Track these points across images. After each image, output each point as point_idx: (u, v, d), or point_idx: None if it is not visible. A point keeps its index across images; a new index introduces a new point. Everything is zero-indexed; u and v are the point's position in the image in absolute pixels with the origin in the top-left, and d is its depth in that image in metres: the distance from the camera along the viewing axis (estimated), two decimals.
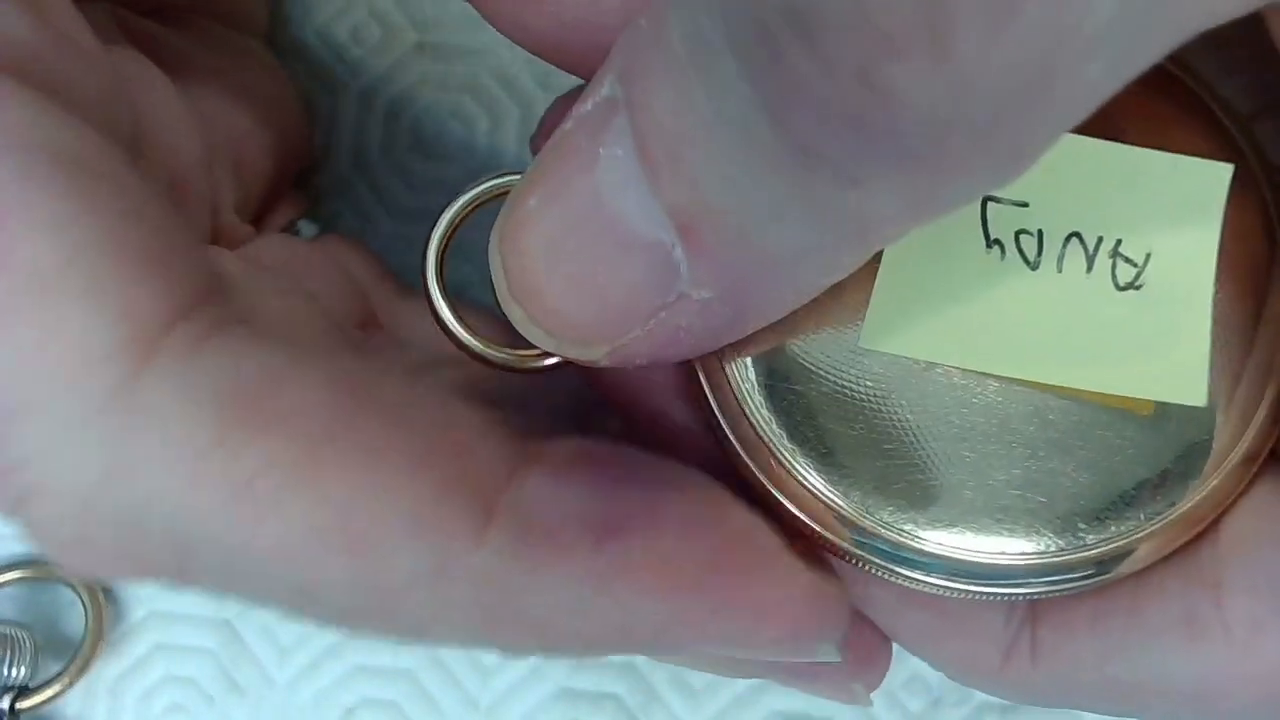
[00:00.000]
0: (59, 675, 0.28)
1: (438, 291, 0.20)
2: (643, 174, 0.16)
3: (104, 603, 0.29)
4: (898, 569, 0.20)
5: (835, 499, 0.20)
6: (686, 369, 0.21)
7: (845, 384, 0.20)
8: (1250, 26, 0.18)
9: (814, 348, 0.20)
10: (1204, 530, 0.20)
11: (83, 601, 0.29)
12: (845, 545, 0.20)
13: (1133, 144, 0.20)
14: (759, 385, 0.20)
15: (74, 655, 0.29)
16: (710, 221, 0.16)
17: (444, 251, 0.20)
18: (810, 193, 0.15)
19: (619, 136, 0.16)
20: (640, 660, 0.28)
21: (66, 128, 0.17)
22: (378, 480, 0.17)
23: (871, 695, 0.24)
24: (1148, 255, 0.20)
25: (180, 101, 0.22)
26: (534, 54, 0.21)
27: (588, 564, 0.18)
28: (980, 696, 0.28)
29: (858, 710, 0.28)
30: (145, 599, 0.29)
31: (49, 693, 0.28)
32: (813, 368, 0.20)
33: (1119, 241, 0.20)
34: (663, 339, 0.17)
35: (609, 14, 0.19)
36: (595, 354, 0.18)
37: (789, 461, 0.20)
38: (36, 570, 0.29)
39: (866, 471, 0.20)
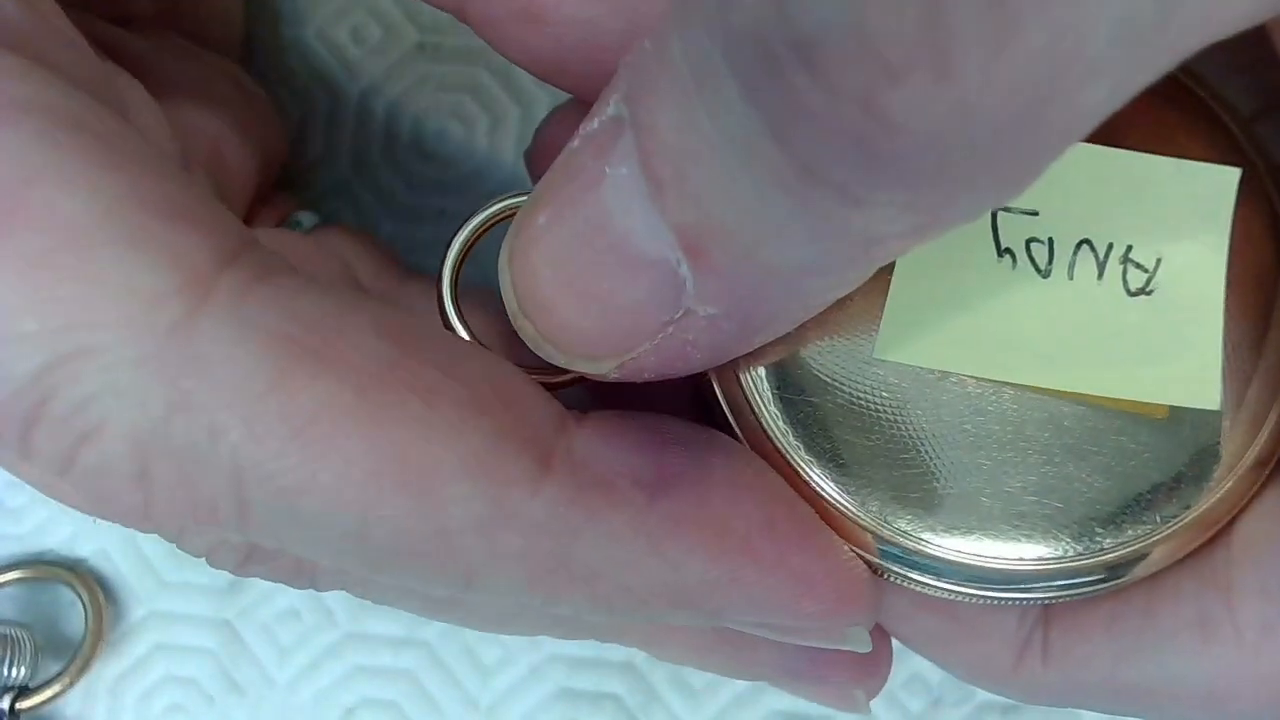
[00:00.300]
0: (59, 675, 0.28)
1: (454, 314, 0.20)
2: (648, 193, 0.16)
3: (104, 603, 0.29)
4: (915, 575, 0.20)
5: (852, 508, 0.20)
6: (701, 382, 0.21)
7: (860, 395, 0.20)
8: (1252, 29, 0.18)
9: (828, 359, 0.20)
10: (1218, 533, 0.20)
11: (83, 602, 0.29)
12: (863, 554, 0.20)
13: (1139, 151, 0.20)
14: (774, 397, 0.20)
15: (74, 655, 0.29)
16: (715, 239, 0.16)
17: (458, 274, 0.20)
18: (814, 212, 0.15)
19: (624, 156, 0.16)
20: (640, 660, 0.29)
21: (74, 97, 0.17)
22: (433, 423, 0.17)
23: (870, 703, 0.24)
24: (1158, 260, 0.20)
25: (154, 104, 0.22)
26: (534, 74, 0.21)
27: (640, 520, 0.18)
28: (981, 696, 0.28)
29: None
30: (145, 599, 0.29)
31: (49, 693, 0.28)
32: (828, 379, 0.20)
33: (1129, 248, 0.20)
34: (670, 354, 0.18)
35: (608, 36, 0.19)
36: (604, 368, 0.18)
37: (805, 472, 0.20)
38: (37, 570, 0.29)
39: (883, 481, 0.20)
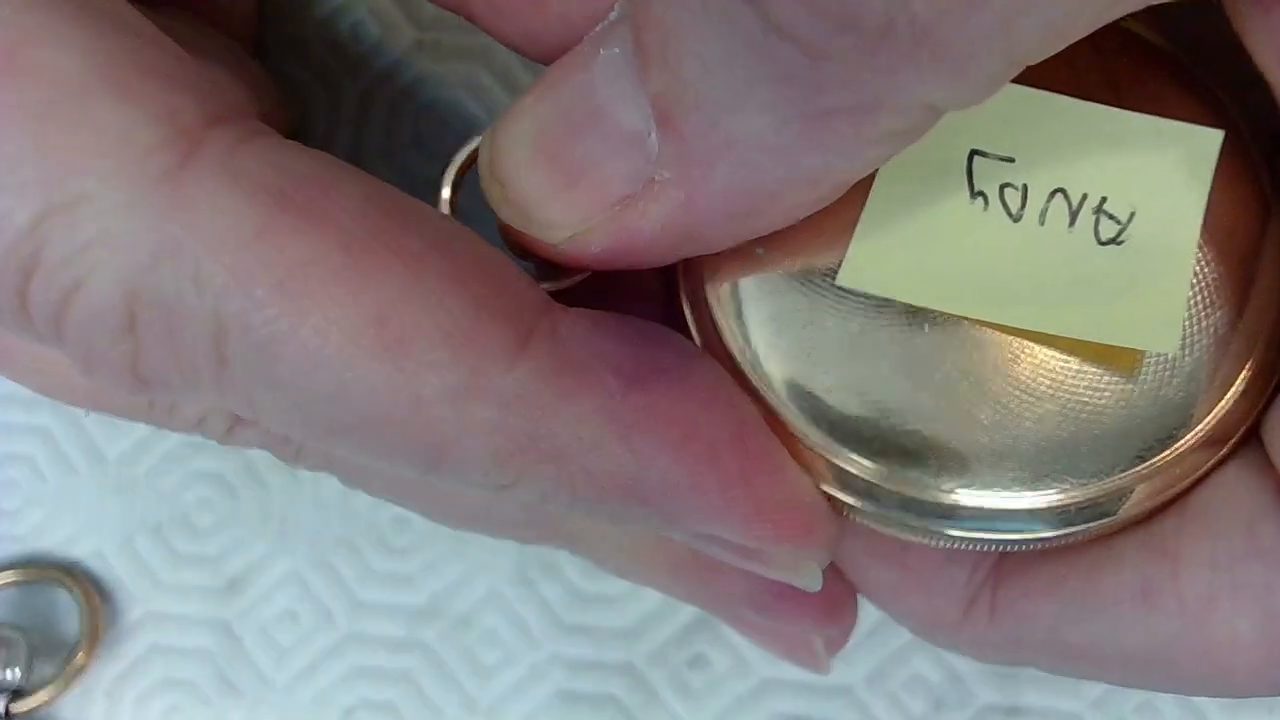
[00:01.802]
0: (54, 678, 0.28)
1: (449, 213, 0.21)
2: (635, 67, 0.18)
3: (99, 604, 0.29)
4: (859, 505, 0.20)
5: (806, 431, 0.20)
6: (672, 300, 0.21)
7: (821, 321, 0.20)
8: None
9: (795, 283, 0.20)
10: (1171, 501, 0.20)
11: (78, 603, 0.29)
12: (819, 485, 0.20)
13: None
14: (737, 314, 0.20)
15: (69, 657, 0.28)
16: (685, 105, 0.17)
17: (460, 179, 0.21)
18: (775, 71, 0.16)
19: (620, 39, 0.18)
20: (640, 660, 0.28)
21: None
22: (416, 289, 0.18)
23: (830, 662, 0.25)
24: (1131, 214, 0.20)
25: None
26: (538, 60, 0.21)
27: (613, 406, 0.18)
28: (983, 699, 0.28)
29: (857, 711, 0.28)
30: (141, 600, 0.29)
31: (44, 695, 0.28)
32: (792, 303, 0.20)
33: (1104, 199, 0.20)
34: (621, 228, 0.19)
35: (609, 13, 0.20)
36: (558, 237, 0.19)
37: (762, 392, 0.20)
38: (32, 572, 0.29)
39: (836, 408, 0.20)
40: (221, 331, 0.17)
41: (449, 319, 0.18)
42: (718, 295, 0.20)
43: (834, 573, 0.24)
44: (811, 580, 0.21)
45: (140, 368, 0.18)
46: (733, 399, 0.20)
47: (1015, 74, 0.17)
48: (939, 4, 0.15)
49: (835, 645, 0.25)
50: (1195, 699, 0.27)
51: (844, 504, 0.20)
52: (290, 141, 0.19)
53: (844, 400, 0.20)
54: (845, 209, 0.19)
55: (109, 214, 0.17)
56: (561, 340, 0.19)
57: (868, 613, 0.28)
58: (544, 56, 0.20)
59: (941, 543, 0.20)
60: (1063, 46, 0.16)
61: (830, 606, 0.24)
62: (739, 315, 0.20)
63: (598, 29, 0.19)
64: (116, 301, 0.17)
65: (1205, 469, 0.20)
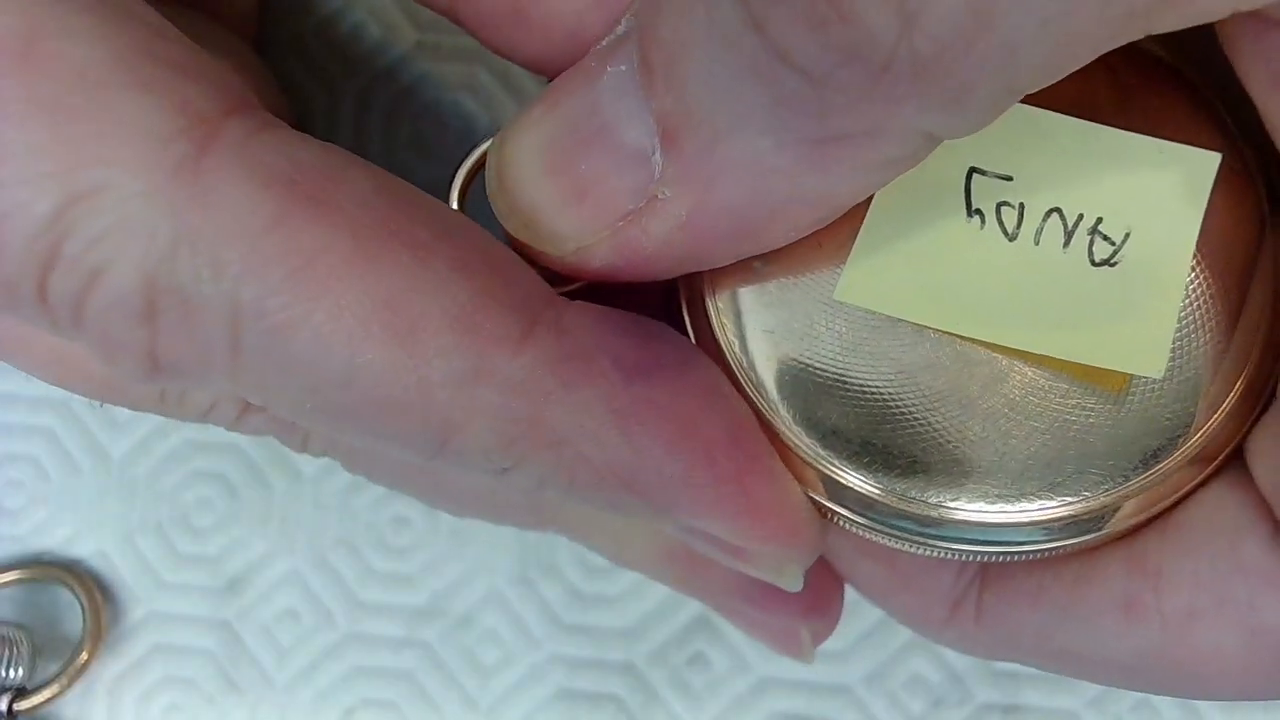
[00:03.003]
0: (57, 676, 0.28)
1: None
2: (640, 85, 0.18)
3: (102, 604, 0.29)
4: (847, 514, 0.20)
5: (799, 441, 0.20)
6: (672, 309, 0.21)
7: (817, 334, 0.20)
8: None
9: (793, 295, 0.20)
10: (1155, 518, 0.21)
11: (80, 602, 0.29)
12: (809, 492, 0.20)
13: (1126, 129, 0.20)
14: (735, 325, 0.20)
15: (72, 656, 0.29)
16: (689, 125, 0.18)
17: (468, 185, 0.21)
18: (777, 94, 0.17)
19: (626, 57, 0.18)
20: (640, 660, 0.28)
21: None
22: (426, 275, 0.18)
23: (815, 652, 0.25)
24: (1126, 235, 0.20)
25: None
26: (526, 69, 0.21)
27: (613, 397, 0.19)
28: (981, 698, 0.28)
29: (857, 710, 0.28)
30: (144, 599, 0.29)
31: (47, 694, 0.28)
32: (789, 315, 0.20)
33: (1099, 220, 0.20)
34: (623, 243, 0.19)
35: (594, 29, 0.20)
36: (562, 250, 0.20)
37: (758, 401, 0.20)
38: (34, 571, 0.29)
39: (829, 419, 0.20)
40: (237, 317, 0.18)
41: (456, 305, 0.18)
42: (716, 306, 0.21)
43: (821, 567, 0.24)
44: (793, 582, 0.21)
45: (157, 354, 0.18)
46: (729, 399, 0.20)
47: (1015, 101, 0.17)
48: (940, 37, 0.16)
49: (820, 636, 0.25)
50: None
51: (832, 511, 0.20)
52: (300, 133, 0.19)
53: (836, 412, 0.20)
54: (843, 223, 0.19)
55: (129, 202, 0.17)
56: (565, 331, 0.19)
57: (867, 613, 0.28)
58: (530, 65, 0.21)
59: (927, 551, 0.20)
60: (1062, 76, 0.17)
61: (816, 600, 0.25)
62: (737, 326, 0.20)
63: (604, 43, 0.19)
64: (136, 289, 0.17)
65: (1191, 486, 0.20)
